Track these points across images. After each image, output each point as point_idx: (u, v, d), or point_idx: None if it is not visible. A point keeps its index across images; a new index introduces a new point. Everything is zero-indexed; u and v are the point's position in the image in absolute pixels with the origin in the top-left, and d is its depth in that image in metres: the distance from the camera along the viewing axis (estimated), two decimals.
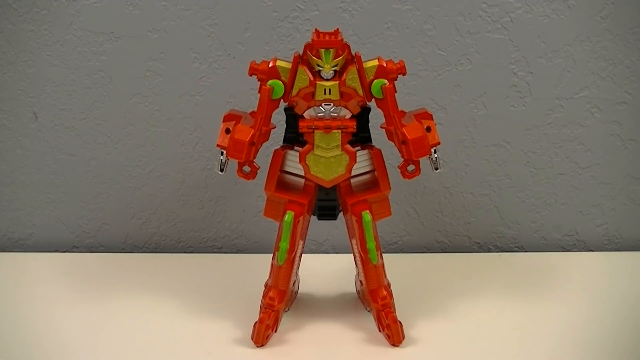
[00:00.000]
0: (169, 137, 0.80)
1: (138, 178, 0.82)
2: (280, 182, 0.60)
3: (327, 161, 0.58)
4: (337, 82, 0.57)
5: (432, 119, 0.59)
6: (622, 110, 0.79)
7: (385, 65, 0.57)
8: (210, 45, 0.77)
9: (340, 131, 0.58)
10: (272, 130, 0.60)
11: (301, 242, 0.63)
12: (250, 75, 0.58)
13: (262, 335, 0.60)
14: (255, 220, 0.83)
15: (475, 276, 0.74)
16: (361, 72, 0.57)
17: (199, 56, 0.78)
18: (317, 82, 0.57)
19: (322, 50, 0.56)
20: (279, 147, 0.61)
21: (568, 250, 0.84)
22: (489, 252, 0.84)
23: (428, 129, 0.59)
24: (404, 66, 0.58)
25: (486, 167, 0.81)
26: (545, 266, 0.77)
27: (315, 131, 0.58)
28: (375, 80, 0.57)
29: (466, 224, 0.83)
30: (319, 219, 0.64)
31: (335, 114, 0.58)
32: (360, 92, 0.57)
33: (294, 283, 0.65)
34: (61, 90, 0.79)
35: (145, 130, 0.80)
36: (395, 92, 0.58)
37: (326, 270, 0.75)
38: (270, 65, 0.57)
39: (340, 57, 0.56)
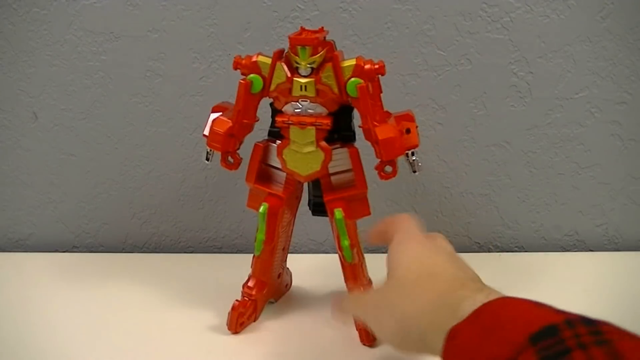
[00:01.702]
0: (169, 137, 0.80)
1: (138, 178, 0.82)
2: (263, 175, 0.61)
3: (303, 157, 0.59)
4: (314, 79, 0.57)
5: (414, 121, 0.59)
6: (622, 110, 0.79)
7: (362, 64, 0.57)
8: (210, 45, 0.77)
9: (314, 128, 0.58)
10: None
11: (284, 236, 0.64)
12: (234, 69, 0.59)
13: (234, 322, 0.62)
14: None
15: None
16: (337, 70, 0.57)
17: (199, 56, 0.78)
18: (294, 79, 0.57)
19: (299, 47, 0.56)
20: (261, 140, 0.62)
21: (568, 250, 0.84)
22: (489, 252, 0.84)
23: (408, 131, 0.58)
24: (383, 66, 0.57)
25: (486, 167, 0.81)
26: (545, 266, 0.77)
27: (291, 126, 0.58)
28: (351, 79, 0.57)
29: (466, 224, 0.83)
30: (312, 215, 0.64)
31: (312, 111, 0.58)
32: (336, 89, 0.57)
33: (279, 275, 0.66)
34: (61, 90, 0.79)
35: (145, 130, 0.80)
36: (381, 92, 0.58)
37: (326, 270, 0.75)
38: (252, 60, 0.58)
39: (317, 55, 0.56)
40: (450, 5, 0.75)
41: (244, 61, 0.59)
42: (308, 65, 0.56)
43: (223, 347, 0.61)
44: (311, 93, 0.57)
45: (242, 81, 0.58)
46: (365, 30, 0.76)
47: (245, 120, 0.59)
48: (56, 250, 0.84)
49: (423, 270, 0.49)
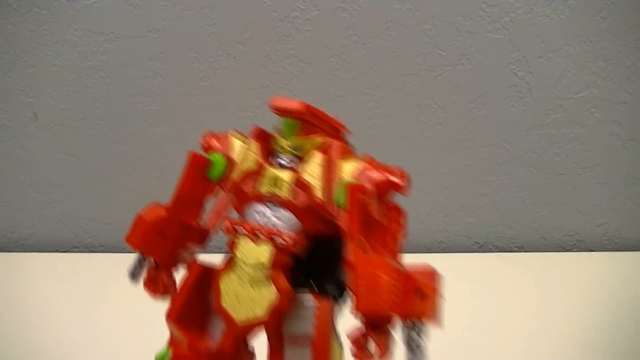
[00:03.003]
0: (169, 137, 0.80)
1: (138, 178, 0.82)
2: (192, 312, 0.40)
3: (246, 288, 0.38)
4: (294, 172, 0.38)
5: (434, 288, 0.34)
6: (622, 110, 0.79)
7: (371, 167, 0.37)
8: (210, 45, 0.77)
9: (272, 245, 0.37)
10: None
11: None
12: (205, 150, 0.42)
13: None
14: None
15: (475, 276, 0.74)
16: (330, 164, 0.37)
17: (199, 56, 0.78)
18: (266, 166, 0.38)
19: (282, 119, 0.38)
20: (203, 261, 0.41)
21: (568, 250, 0.84)
22: (489, 252, 0.84)
23: (420, 294, 0.34)
24: (402, 182, 0.37)
25: (486, 167, 0.81)
26: (545, 266, 0.77)
27: (241, 236, 0.38)
28: (344, 180, 0.37)
29: (466, 224, 0.83)
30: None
31: (279, 221, 0.38)
32: (320, 193, 0.37)
33: None
34: (61, 90, 0.79)
35: (145, 130, 0.80)
36: (400, 229, 0.38)
37: None
38: (226, 139, 0.41)
39: (308, 138, 0.38)
40: (450, 5, 0.75)
41: (214, 141, 0.41)
42: (290, 149, 0.38)
43: None
44: (284, 192, 0.37)
45: (194, 153, 0.41)
46: (365, 30, 0.76)
47: (186, 218, 0.41)
48: (56, 250, 0.84)
49: None
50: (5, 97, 0.80)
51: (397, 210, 0.38)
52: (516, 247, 0.84)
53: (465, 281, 0.73)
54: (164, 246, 0.40)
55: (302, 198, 0.37)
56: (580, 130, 0.80)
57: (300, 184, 0.37)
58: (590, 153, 0.80)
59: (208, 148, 0.41)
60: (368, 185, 0.36)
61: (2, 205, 0.84)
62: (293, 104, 0.37)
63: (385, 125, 0.78)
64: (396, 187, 0.37)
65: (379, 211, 0.37)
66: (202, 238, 0.42)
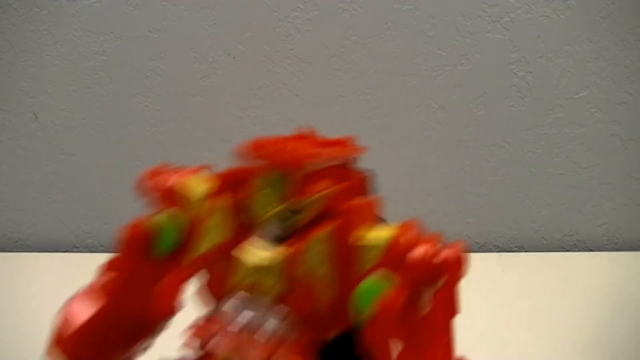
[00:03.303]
0: (169, 137, 0.80)
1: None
2: None
3: None
4: (289, 252, 0.26)
5: None
6: (622, 110, 0.79)
7: (402, 244, 0.26)
8: (210, 45, 0.77)
9: None
10: None
11: None
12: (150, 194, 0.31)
13: None
14: None
15: (475, 276, 0.74)
16: (345, 243, 0.26)
17: (199, 56, 0.78)
18: (247, 244, 0.26)
19: (269, 173, 0.26)
20: None
21: (568, 250, 0.84)
22: (489, 252, 0.84)
23: None
24: (458, 263, 0.28)
25: (486, 167, 0.81)
26: (545, 266, 0.77)
27: (219, 351, 0.27)
28: (369, 276, 0.25)
29: (466, 224, 0.83)
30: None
31: (274, 322, 0.26)
32: (328, 289, 0.26)
33: None
34: (61, 90, 0.79)
35: (145, 130, 0.80)
36: (453, 314, 0.30)
37: None
38: (175, 182, 0.28)
39: (313, 195, 0.25)
40: (450, 5, 0.75)
41: (160, 187, 0.28)
42: (277, 217, 0.26)
43: None
44: (276, 286, 0.25)
45: (129, 230, 0.28)
46: (365, 30, 0.76)
47: (133, 309, 0.29)
48: (56, 250, 0.84)
49: None
50: (5, 97, 0.80)
51: (449, 287, 0.26)
52: (516, 247, 0.84)
53: (465, 281, 0.73)
54: (104, 350, 0.29)
55: (302, 298, 0.25)
56: (580, 130, 0.80)
57: (304, 271, 0.24)
58: (590, 153, 0.80)
59: (153, 197, 0.27)
60: (408, 274, 0.24)
61: (2, 205, 0.84)
62: (288, 157, 0.23)
63: (385, 125, 0.78)
64: (450, 273, 0.25)
65: (423, 302, 0.26)
66: (155, 328, 0.30)
